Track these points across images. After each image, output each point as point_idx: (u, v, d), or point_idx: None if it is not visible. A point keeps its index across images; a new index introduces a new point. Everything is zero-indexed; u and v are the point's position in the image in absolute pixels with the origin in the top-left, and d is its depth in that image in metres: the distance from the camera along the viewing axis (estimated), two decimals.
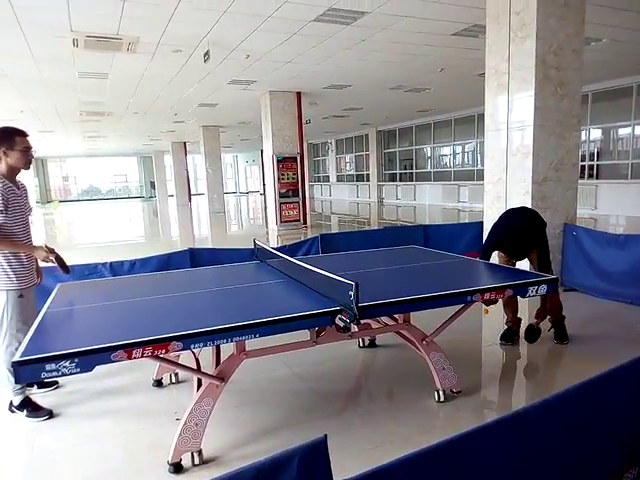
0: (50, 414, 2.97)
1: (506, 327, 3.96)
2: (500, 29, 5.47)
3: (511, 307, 3.93)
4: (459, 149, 18.40)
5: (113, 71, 8.82)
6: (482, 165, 15.62)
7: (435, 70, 9.96)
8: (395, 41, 7.67)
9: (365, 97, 13.06)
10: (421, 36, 7.46)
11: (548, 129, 5.35)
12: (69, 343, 2.02)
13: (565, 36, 5.27)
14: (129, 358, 1.96)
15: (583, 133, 12.70)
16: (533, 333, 3.74)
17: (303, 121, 12.50)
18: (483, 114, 6.00)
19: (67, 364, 1.86)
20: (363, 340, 3.93)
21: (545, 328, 3.88)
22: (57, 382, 3.41)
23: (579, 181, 5.88)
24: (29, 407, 2.98)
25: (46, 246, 3.03)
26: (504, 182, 5.66)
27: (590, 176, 13.04)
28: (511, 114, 5.48)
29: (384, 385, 3.34)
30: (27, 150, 3.02)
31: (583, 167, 12.76)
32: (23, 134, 3.04)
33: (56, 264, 3.00)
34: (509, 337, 3.93)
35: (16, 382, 2.42)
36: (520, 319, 4.00)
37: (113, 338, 2.00)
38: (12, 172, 3.02)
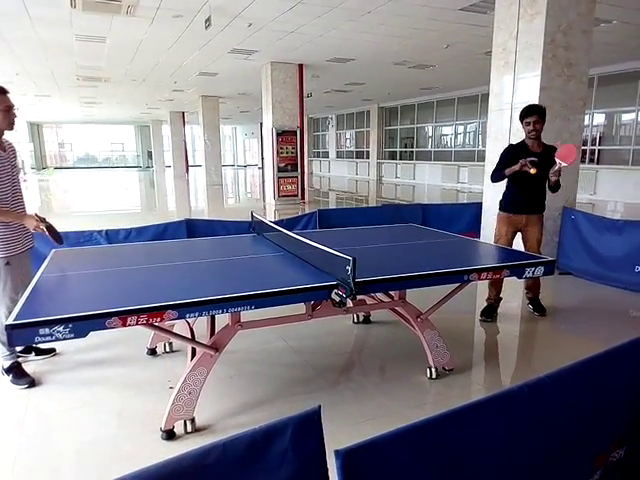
0: (32, 383, 2.93)
1: (487, 304, 4.11)
2: (510, 5, 5.34)
3: (496, 286, 4.08)
4: (461, 129, 18.23)
5: (111, 35, 8.61)
6: (483, 146, 15.50)
7: (441, 46, 9.77)
8: (401, 14, 7.50)
9: (368, 72, 12.85)
10: (428, 10, 7.29)
11: (553, 111, 5.27)
12: (63, 308, 2.01)
13: (576, 15, 5.16)
14: (124, 325, 1.96)
15: (586, 117, 12.58)
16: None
17: (304, 94, 12.30)
18: (487, 94, 5.91)
19: (61, 329, 1.85)
20: (357, 316, 3.95)
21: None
22: (54, 349, 3.41)
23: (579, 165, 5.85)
24: (14, 372, 2.97)
25: (37, 215, 2.89)
26: None
27: (591, 161, 12.98)
28: (516, 94, 5.40)
29: (377, 360, 3.36)
30: (9, 109, 2.85)
31: (584, 151, 12.67)
32: (2, 91, 2.84)
33: (47, 234, 2.83)
34: (489, 313, 4.06)
35: (9, 345, 2.41)
36: (501, 298, 4.15)
37: (108, 305, 1.99)
38: None
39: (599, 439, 1.49)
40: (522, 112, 3.94)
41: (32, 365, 3.20)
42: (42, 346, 3.33)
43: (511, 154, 4.00)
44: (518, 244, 4.11)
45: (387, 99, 20.06)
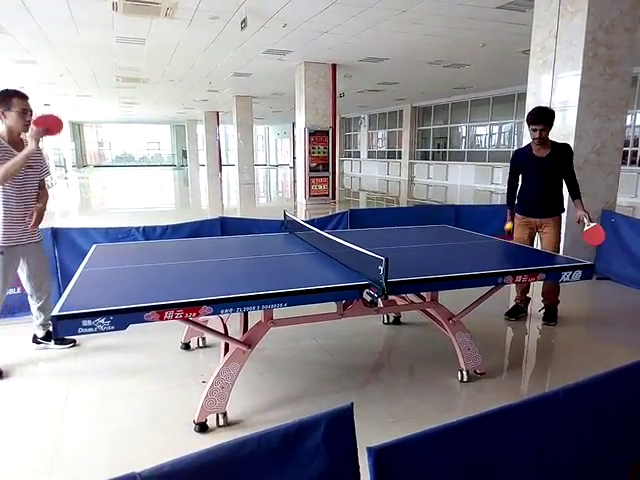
0: (74, 342, 3.25)
1: (514, 304, 4.08)
2: (549, 3, 5.22)
3: (522, 286, 4.02)
4: (496, 129, 17.88)
5: (150, 37, 8.84)
6: (519, 146, 15.15)
7: (476, 45, 9.61)
8: (436, 13, 7.42)
9: (402, 71, 12.75)
10: (464, 8, 7.18)
11: (593, 110, 5.13)
12: (104, 301, 2.08)
13: (618, 12, 5.00)
14: (161, 319, 2.02)
15: (628, 117, 12.13)
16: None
17: (337, 94, 12.31)
18: (523, 93, 5.80)
19: (102, 321, 1.93)
20: (387, 317, 3.94)
21: (537, 309, 4.11)
22: (75, 340, 3.47)
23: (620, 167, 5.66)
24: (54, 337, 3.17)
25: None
26: None
27: (632, 162, 12.53)
28: (554, 93, 5.27)
29: (407, 362, 3.35)
30: (24, 112, 3.00)
31: (625, 153, 12.24)
32: (22, 96, 3.03)
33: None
34: (514, 313, 4.03)
35: (54, 335, 2.53)
36: (529, 299, 4.09)
37: (146, 299, 2.06)
38: (12, 134, 3.05)
39: (635, 448, 1.45)
40: (528, 117, 3.75)
41: (71, 356, 3.33)
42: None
43: (515, 161, 4.02)
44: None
45: (420, 99, 19.85)
